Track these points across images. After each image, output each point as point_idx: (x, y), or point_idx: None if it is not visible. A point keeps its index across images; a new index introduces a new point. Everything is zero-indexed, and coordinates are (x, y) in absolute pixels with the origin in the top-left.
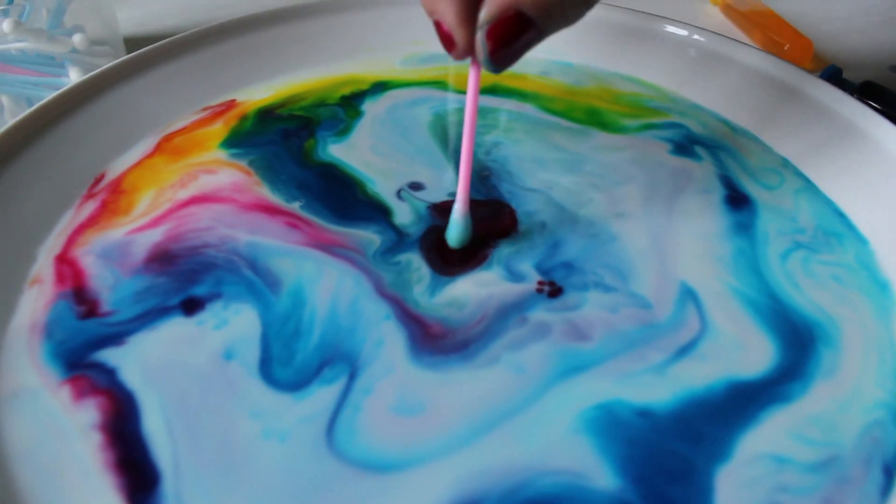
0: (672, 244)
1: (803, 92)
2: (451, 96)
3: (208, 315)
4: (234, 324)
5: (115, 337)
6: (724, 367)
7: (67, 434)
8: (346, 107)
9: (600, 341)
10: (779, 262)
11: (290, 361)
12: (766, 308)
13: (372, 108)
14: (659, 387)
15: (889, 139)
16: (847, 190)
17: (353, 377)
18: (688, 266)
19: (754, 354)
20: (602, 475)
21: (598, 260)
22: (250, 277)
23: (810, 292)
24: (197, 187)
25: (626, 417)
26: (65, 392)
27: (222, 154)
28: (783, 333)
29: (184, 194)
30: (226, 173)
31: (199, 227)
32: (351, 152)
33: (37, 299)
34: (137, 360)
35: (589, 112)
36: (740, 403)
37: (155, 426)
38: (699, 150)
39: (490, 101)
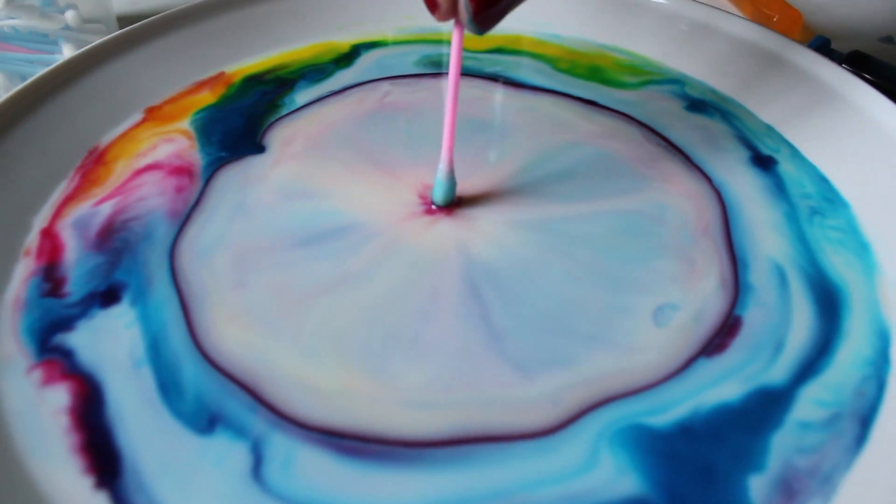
0: (742, 212)
1: (784, 59)
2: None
3: (122, 308)
4: (135, 327)
5: (68, 321)
6: (786, 358)
7: (42, 412)
8: (338, 62)
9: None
10: (810, 227)
11: (182, 395)
12: (813, 279)
13: (362, 61)
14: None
15: (868, 102)
16: (826, 153)
17: (258, 444)
18: (764, 239)
19: (803, 332)
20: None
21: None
22: (140, 267)
23: (832, 258)
24: (153, 156)
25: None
26: (36, 374)
27: (187, 121)
28: (822, 305)
29: (141, 163)
30: (179, 140)
31: (137, 198)
32: (315, 94)
33: (23, 271)
34: (85, 349)
35: (591, 69)
36: (773, 405)
37: (113, 416)
38: (710, 108)
39: (489, 56)
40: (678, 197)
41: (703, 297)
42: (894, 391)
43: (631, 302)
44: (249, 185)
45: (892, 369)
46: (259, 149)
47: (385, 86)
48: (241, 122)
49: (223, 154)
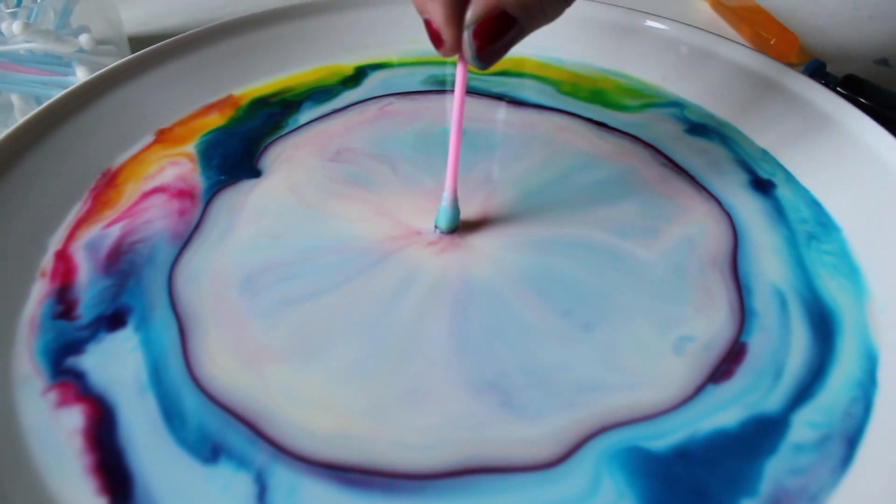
0: (748, 236)
1: (780, 84)
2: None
3: (127, 333)
4: (138, 352)
5: (79, 344)
6: (785, 383)
7: (58, 433)
8: (345, 83)
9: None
10: (807, 252)
11: (185, 424)
12: (811, 304)
13: (369, 81)
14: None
15: (860, 127)
16: (819, 178)
17: (261, 474)
18: (767, 263)
19: (800, 356)
20: None
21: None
22: (144, 291)
23: (827, 282)
24: (160, 179)
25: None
26: (51, 396)
27: (193, 144)
28: (818, 329)
29: (149, 186)
30: (183, 163)
31: (144, 221)
32: (319, 114)
33: (39, 292)
34: (96, 372)
35: (594, 92)
36: (769, 432)
37: (124, 439)
38: (709, 132)
39: (495, 78)
40: (704, 221)
41: (716, 324)
42: (880, 412)
43: (657, 340)
44: (234, 211)
45: (878, 391)
46: (255, 172)
47: (389, 99)
48: (241, 145)
49: (222, 177)
